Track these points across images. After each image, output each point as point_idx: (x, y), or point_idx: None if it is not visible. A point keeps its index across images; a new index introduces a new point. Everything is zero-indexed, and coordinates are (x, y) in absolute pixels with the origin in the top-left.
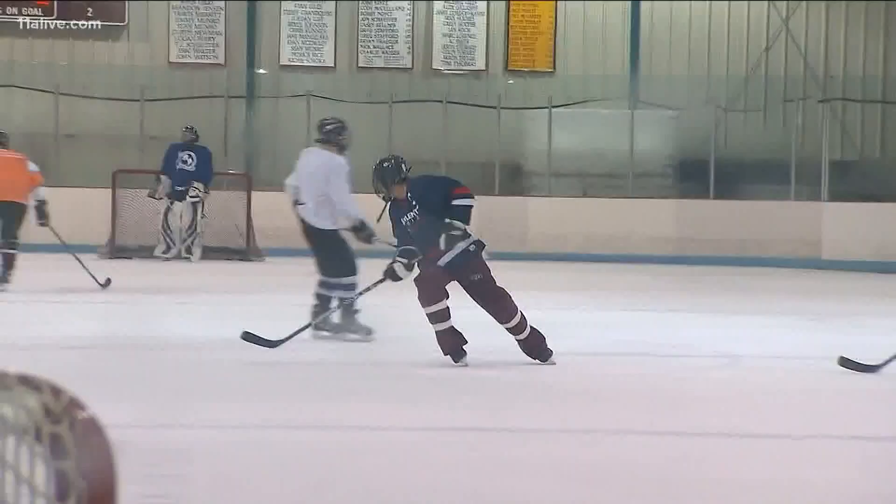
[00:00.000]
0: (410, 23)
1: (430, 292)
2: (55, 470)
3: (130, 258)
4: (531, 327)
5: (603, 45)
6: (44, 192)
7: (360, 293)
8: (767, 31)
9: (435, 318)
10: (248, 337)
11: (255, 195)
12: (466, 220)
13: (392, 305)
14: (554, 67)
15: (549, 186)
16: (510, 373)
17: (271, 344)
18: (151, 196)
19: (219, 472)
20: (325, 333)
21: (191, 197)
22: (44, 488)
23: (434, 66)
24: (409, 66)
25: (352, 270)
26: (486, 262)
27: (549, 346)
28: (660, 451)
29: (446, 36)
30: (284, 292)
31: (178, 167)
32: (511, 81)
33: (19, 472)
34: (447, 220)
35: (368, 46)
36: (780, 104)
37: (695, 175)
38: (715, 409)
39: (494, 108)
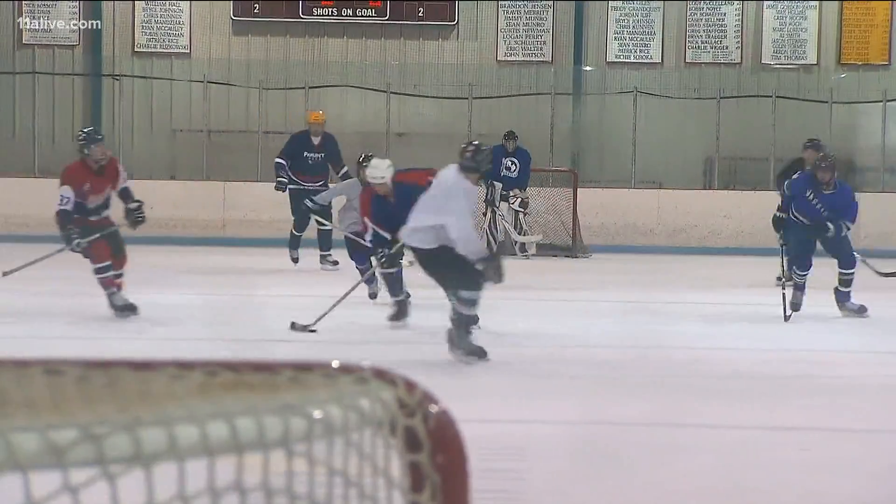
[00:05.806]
0: (740, 17)
1: None
2: (409, 462)
3: None
4: None
5: None
6: None
7: None
8: None
9: None
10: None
11: (580, 192)
12: None
13: None
14: (889, 60)
15: (882, 182)
16: (847, 372)
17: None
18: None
19: (552, 469)
20: None
21: (511, 204)
22: (399, 480)
23: (763, 61)
24: (738, 60)
25: None
26: None
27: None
28: None
29: (777, 30)
30: (608, 290)
31: (502, 174)
32: (843, 75)
33: (376, 464)
34: None
35: (696, 42)
36: None
37: None
38: None
39: (826, 102)
